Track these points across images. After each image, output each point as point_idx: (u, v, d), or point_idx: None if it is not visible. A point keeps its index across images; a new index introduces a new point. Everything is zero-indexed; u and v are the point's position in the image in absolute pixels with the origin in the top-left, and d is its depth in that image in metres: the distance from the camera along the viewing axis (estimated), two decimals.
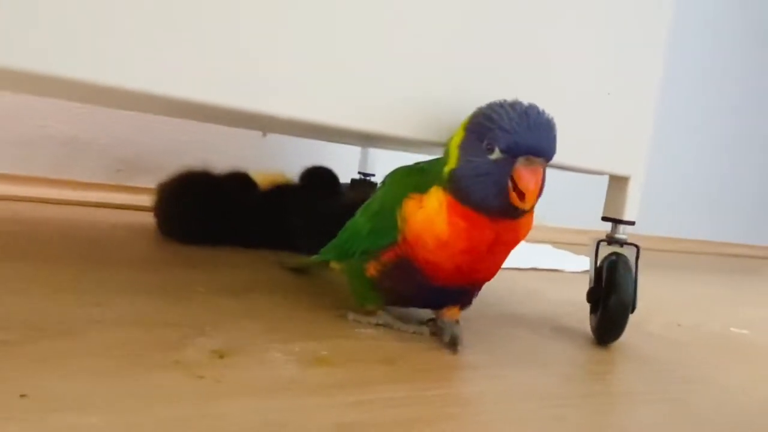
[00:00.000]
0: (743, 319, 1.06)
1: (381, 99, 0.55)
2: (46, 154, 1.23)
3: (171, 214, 1.00)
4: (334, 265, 0.73)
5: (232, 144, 1.36)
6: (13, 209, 1.07)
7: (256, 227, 1.01)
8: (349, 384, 0.49)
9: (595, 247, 0.74)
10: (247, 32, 0.48)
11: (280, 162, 1.26)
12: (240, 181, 1.04)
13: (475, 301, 0.65)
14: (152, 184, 1.04)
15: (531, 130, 0.51)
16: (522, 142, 0.50)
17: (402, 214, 0.57)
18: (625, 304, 0.69)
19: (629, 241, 0.73)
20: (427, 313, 0.67)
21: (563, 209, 1.73)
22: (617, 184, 0.75)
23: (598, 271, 0.73)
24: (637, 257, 0.72)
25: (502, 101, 0.53)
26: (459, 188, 0.54)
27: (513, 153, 0.51)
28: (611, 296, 0.69)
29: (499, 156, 0.51)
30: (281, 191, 1.05)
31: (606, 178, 0.77)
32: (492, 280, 0.62)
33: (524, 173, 0.50)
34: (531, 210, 0.56)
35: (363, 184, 1.31)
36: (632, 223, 0.74)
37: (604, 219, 0.75)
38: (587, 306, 0.74)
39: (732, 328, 0.96)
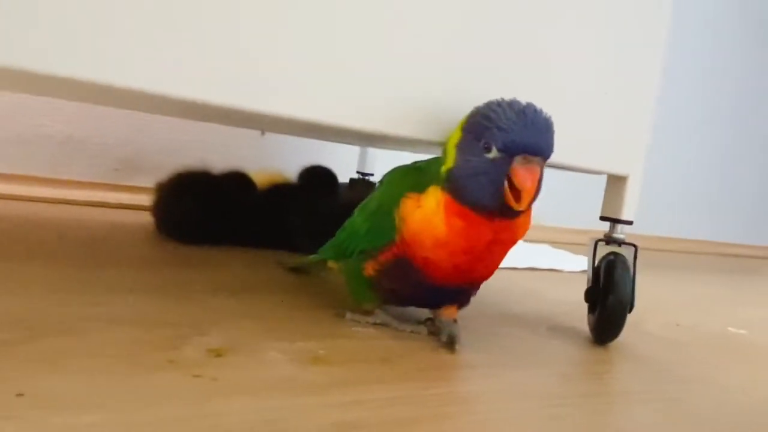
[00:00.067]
0: (742, 319, 1.07)
1: (381, 98, 0.55)
2: (44, 153, 1.23)
3: (169, 213, 1.00)
4: (331, 264, 0.73)
5: (231, 143, 1.36)
6: (9, 208, 1.07)
7: (254, 227, 1.01)
8: (347, 383, 0.49)
9: (593, 247, 0.74)
10: (246, 32, 0.48)
11: (278, 161, 1.26)
12: (238, 180, 1.04)
13: (473, 300, 0.65)
14: (150, 184, 1.04)
15: (528, 128, 0.51)
16: (519, 141, 0.50)
17: (400, 213, 0.57)
18: (622, 304, 0.69)
19: (627, 240, 0.73)
20: (424, 312, 0.67)
21: (562, 209, 1.73)
22: (615, 183, 0.75)
23: (596, 270, 0.73)
24: (635, 257, 0.72)
25: (500, 100, 0.53)
26: (456, 187, 0.54)
27: (510, 152, 0.51)
28: (609, 296, 0.69)
29: (497, 155, 0.51)
30: (280, 191, 1.05)
31: (604, 178, 0.77)
32: (490, 279, 0.62)
33: (521, 172, 0.50)
34: (529, 209, 0.56)
35: (362, 184, 1.31)
36: (630, 223, 0.74)
37: (602, 218, 0.75)
38: (585, 305, 0.74)
39: (730, 328, 0.96)
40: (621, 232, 0.74)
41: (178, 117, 1.19)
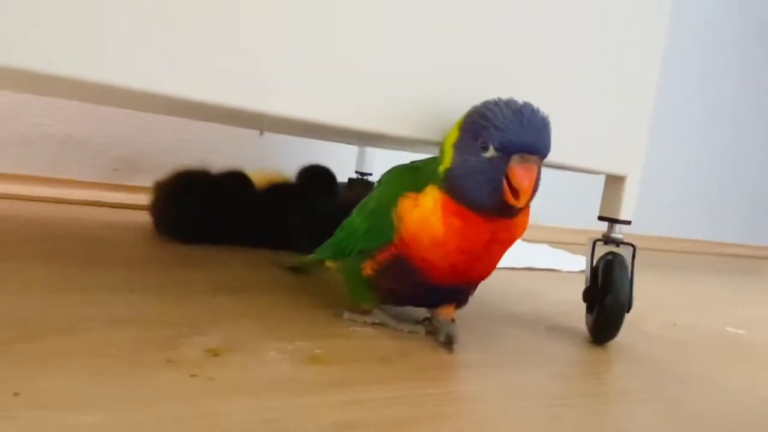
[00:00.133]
0: (740, 319, 1.07)
1: (380, 98, 0.55)
2: (43, 152, 1.23)
3: (168, 213, 1.00)
4: (329, 264, 0.73)
5: (229, 143, 1.36)
6: (9, 208, 1.07)
7: (253, 226, 1.01)
8: (345, 383, 0.49)
9: (591, 247, 0.74)
10: (246, 32, 0.48)
11: (277, 161, 1.26)
12: (237, 180, 1.04)
13: (471, 300, 0.65)
14: (149, 183, 1.04)
15: (525, 127, 0.51)
16: (516, 140, 0.50)
17: (398, 213, 0.57)
18: (620, 304, 0.69)
19: (625, 240, 0.73)
20: (422, 312, 0.67)
21: (560, 209, 1.73)
22: (614, 183, 0.75)
23: (594, 270, 0.73)
24: (633, 257, 0.72)
25: (497, 99, 0.53)
26: (454, 187, 0.54)
27: (507, 151, 0.51)
28: (607, 296, 0.69)
29: (494, 154, 0.51)
30: (278, 190, 1.05)
31: (603, 178, 0.77)
32: (488, 279, 0.62)
33: (518, 171, 0.50)
34: (527, 209, 0.56)
35: (360, 184, 1.31)
36: (628, 223, 0.74)
37: (601, 218, 0.75)
38: (583, 305, 0.74)
39: (729, 328, 0.96)
40: (619, 232, 0.74)
41: (178, 116, 1.19)
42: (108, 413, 0.38)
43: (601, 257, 0.73)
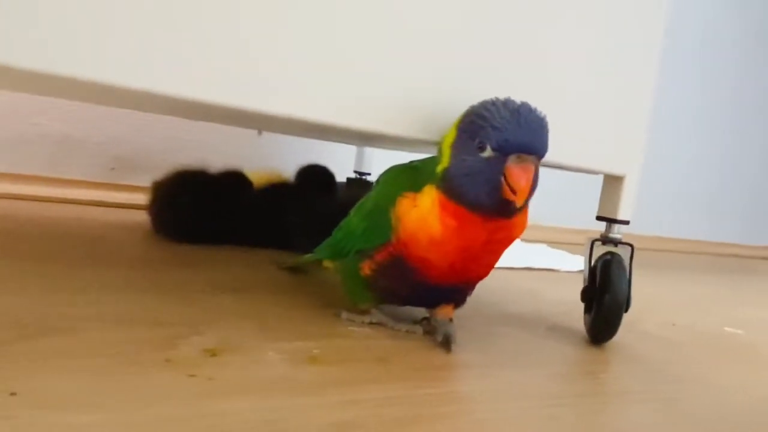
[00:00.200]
0: (738, 319, 1.07)
1: (379, 98, 0.55)
2: (40, 152, 1.22)
3: (165, 212, 0.99)
4: (327, 263, 0.72)
5: (228, 142, 1.36)
6: (5, 207, 1.07)
7: (251, 226, 1.01)
8: (343, 383, 0.49)
9: (589, 247, 0.74)
10: (246, 32, 0.48)
11: (275, 160, 1.26)
12: (235, 179, 1.04)
13: (469, 299, 0.65)
14: (147, 183, 1.04)
15: (522, 127, 0.50)
16: (513, 140, 0.50)
17: (396, 213, 0.57)
18: (619, 304, 0.69)
19: (624, 240, 0.74)
20: (420, 311, 0.67)
21: (559, 209, 1.74)
22: (612, 183, 0.75)
23: (592, 270, 0.73)
24: (632, 256, 0.72)
25: (494, 99, 0.53)
26: (452, 187, 0.54)
27: (504, 151, 0.51)
28: (605, 295, 0.69)
29: (491, 154, 0.51)
30: (277, 190, 1.05)
31: (602, 178, 0.77)
32: (486, 278, 0.62)
33: (515, 171, 0.50)
34: (525, 209, 0.56)
35: (359, 183, 1.31)
36: (627, 223, 0.74)
37: (599, 218, 0.75)
38: (582, 305, 0.74)
39: (727, 328, 0.96)
40: (618, 232, 0.74)
41: (177, 116, 1.18)
42: (106, 413, 0.38)
43: (600, 257, 0.73)
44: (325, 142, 1.35)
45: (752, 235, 2.55)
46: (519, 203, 0.51)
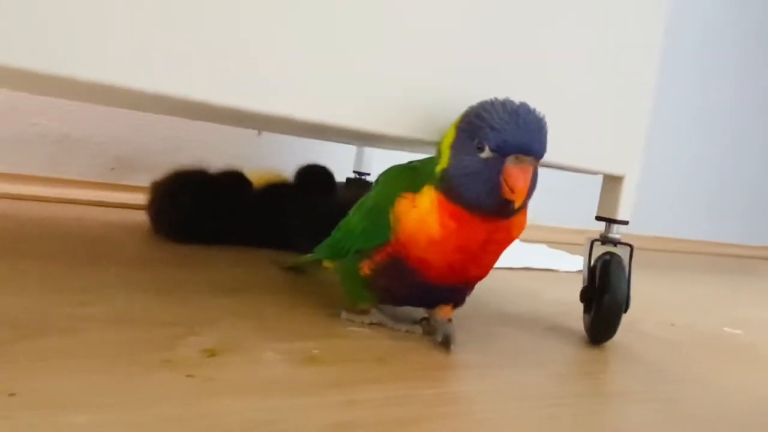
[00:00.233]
0: (737, 319, 1.07)
1: (379, 99, 0.55)
2: (39, 152, 1.22)
3: (164, 212, 0.99)
4: (327, 263, 0.72)
5: (227, 142, 1.36)
6: (5, 207, 1.07)
7: (250, 226, 1.01)
8: (342, 383, 0.49)
9: (588, 247, 0.74)
10: (246, 32, 0.47)
11: (275, 160, 1.26)
12: (234, 179, 1.04)
13: (468, 300, 0.65)
14: (146, 183, 1.04)
15: (520, 128, 0.50)
16: (511, 141, 0.50)
17: (395, 213, 0.57)
18: (618, 304, 0.69)
19: (623, 240, 0.74)
20: (420, 311, 0.67)
21: (558, 209, 1.74)
22: (611, 183, 0.75)
23: (591, 270, 0.73)
24: (631, 257, 0.72)
25: (493, 100, 0.53)
26: (451, 187, 0.54)
27: (502, 152, 0.51)
28: (604, 296, 0.69)
29: (489, 155, 0.51)
30: (276, 190, 1.05)
31: (601, 178, 0.77)
32: (485, 279, 0.62)
33: (513, 172, 0.50)
34: (524, 209, 0.56)
35: (358, 183, 1.31)
36: (626, 223, 0.74)
37: (598, 218, 0.75)
38: (581, 305, 0.74)
39: (726, 328, 0.96)
40: (617, 232, 0.74)
41: (177, 116, 1.18)
42: (105, 413, 0.38)
43: (599, 257, 0.73)
44: (325, 142, 1.35)
45: (752, 235, 2.55)
46: (517, 204, 0.51)
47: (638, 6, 0.72)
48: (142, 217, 1.03)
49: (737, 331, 0.95)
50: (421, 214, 0.55)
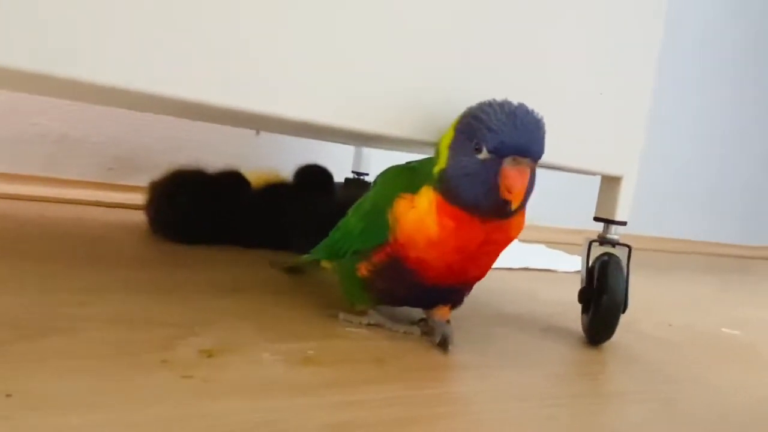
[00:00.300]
0: (735, 320, 1.07)
1: (378, 99, 0.55)
2: (38, 152, 1.22)
3: (163, 212, 0.99)
4: (325, 264, 0.72)
5: (226, 142, 1.36)
6: (5, 207, 1.07)
7: (249, 226, 1.01)
8: (340, 384, 0.49)
9: (586, 248, 0.74)
10: (246, 32, 0.48)
11: (274, 161, 1.26)
12: (233, 179, 1.04)
13: (467, 300, 0.65)
14: (144, 183, 1.04)
15: (518, 130, 0.51)
16: (509, 142, 0.50)
17: (393, 214, 0.57)
18: (616, 304, 0.69)
19: (621, 241, 0.74)
20: (418, 312, 0.67)
21: (557, 209, 1.74)
22: (609, 184, 0.75)
23: (589, 271, 0.73)
24: (629, 257, 0.72)
25: (492, 101, 0.53)
26: (449, 188, 0.54)
27: (500, 153, 0.51)
28: (603, 296, 0.69)
29: (487, 156, 0.51)
30: (275, 190, 1.05)
31: (599, 178, 0.77)
32: (484, 279, 0.62)
33: (511, 173, 0.50)
34: (522, 210, 0.56)
35: (356, 183, 1.31)
36: (624, 224, 0.74)
37: (596, 219, 0.75)
38: (579, 306, 0.75)
39: (723, 329, 0.97)
40: (615, 232, 0.74)
41: (175, 116, 1.18)
42: (104, 413, 0.38)
43: (597, 258, 0.73)
44: (323, 142, 1.35)
45: (750, 235, 2.56)
46: (514, 205, 0.51)
47: (637, 6, 0.72)
48: (141, 217, 1.03)
49: (735, 332, 0.95)
50: (420, 215, 0.55)
